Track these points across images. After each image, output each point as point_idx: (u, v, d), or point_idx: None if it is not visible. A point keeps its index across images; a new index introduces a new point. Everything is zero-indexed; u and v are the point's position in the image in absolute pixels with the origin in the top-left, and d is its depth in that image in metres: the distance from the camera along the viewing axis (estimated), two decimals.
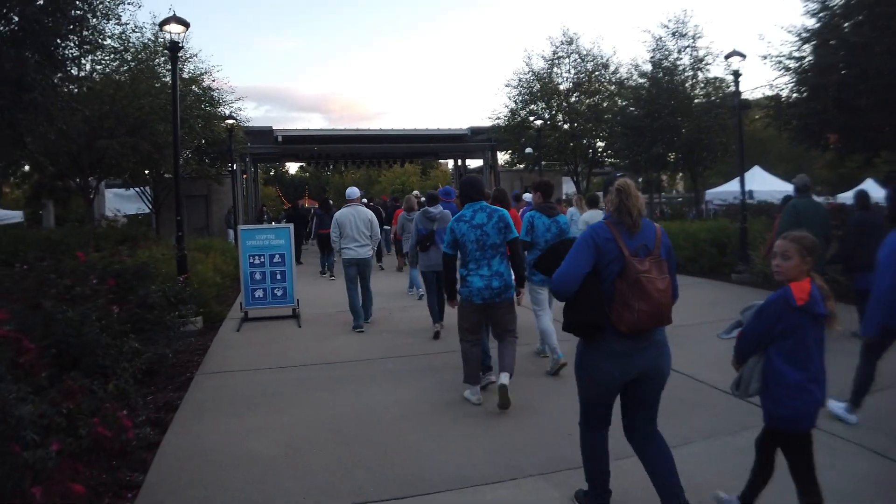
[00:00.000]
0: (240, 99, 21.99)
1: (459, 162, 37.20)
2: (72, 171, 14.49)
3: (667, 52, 21.55)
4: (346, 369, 6.51)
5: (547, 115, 25.48)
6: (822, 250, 6.45)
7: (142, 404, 5.31)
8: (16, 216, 21.16)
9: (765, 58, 17.52)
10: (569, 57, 26.05)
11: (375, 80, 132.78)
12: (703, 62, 21.43)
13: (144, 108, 13.43)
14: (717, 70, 21.27)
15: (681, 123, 19.90)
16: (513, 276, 5.27)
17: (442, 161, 56.47)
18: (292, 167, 65.49)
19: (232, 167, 20.99)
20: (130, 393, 4.92)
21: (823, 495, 2.97)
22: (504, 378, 5.00)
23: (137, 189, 21.41)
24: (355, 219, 8.52)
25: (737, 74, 14.27)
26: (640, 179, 52.31)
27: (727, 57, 14.20)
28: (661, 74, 21.31)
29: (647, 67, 22.09)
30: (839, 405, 4.59)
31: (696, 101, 20.97)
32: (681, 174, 48.95)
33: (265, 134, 27.42)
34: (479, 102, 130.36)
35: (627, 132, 21.62)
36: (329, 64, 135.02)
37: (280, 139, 27.64)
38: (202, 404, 5.48)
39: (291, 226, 9.88)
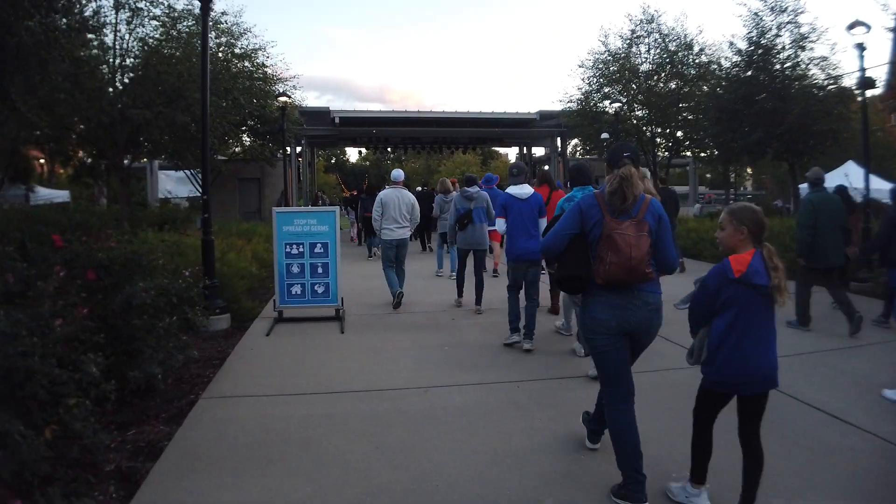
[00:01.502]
0: (294, 77, 20.64)
1: (524, 150, 35.31)
2: (109, 147, 13.32)
3: (764, 29, 19.12)
4: (397, 402, 4.83)
5: (623, 99, 23.33)
6: (832, 242, 6.97)
7: (113, 447, 3.81)
8: (62, 195, 20.50)
9: (892, 30, 15.20)
10: (649, 36, 23.87)
11: (433, 70, 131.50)
12: (806, 39, 18.91)
13: (183, 76, 12.07)
14: (821, 49, 18.74)
15: (785, 108, 17.42)
16: None
17: (503, 151, 54.54)
18: (352, 155, 64.68)
19: (284, 149, 19.67)
20: (86, 436, 3.41)
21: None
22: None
23: (187, 171, 20.39)
24: (399, 200, 8.79)
25: (861, 48, 12.40)
26: (707, 175, 49.44)
27: (850, 28, 12.44)
28: (760, 52, 18.89)
29: (743, 45, 19.67)
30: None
31: (804, 82, 18.44)
32: (749, 169, 45.69)
33: (322, 115, 26.16)
34: (543, 92, 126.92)
35: (721, 116, 19.29)
36: (387, 53, 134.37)
37: (337, 121, 26.35)
38: (194, 451, 3.92)
39: (336, 209, 8.28)
